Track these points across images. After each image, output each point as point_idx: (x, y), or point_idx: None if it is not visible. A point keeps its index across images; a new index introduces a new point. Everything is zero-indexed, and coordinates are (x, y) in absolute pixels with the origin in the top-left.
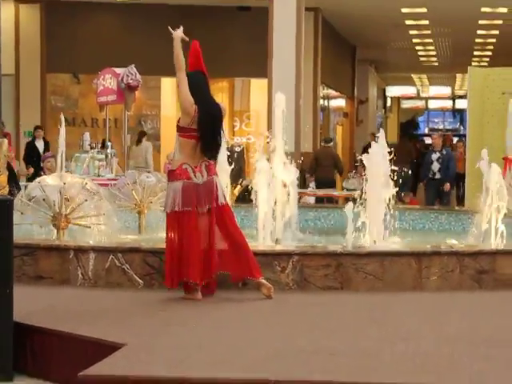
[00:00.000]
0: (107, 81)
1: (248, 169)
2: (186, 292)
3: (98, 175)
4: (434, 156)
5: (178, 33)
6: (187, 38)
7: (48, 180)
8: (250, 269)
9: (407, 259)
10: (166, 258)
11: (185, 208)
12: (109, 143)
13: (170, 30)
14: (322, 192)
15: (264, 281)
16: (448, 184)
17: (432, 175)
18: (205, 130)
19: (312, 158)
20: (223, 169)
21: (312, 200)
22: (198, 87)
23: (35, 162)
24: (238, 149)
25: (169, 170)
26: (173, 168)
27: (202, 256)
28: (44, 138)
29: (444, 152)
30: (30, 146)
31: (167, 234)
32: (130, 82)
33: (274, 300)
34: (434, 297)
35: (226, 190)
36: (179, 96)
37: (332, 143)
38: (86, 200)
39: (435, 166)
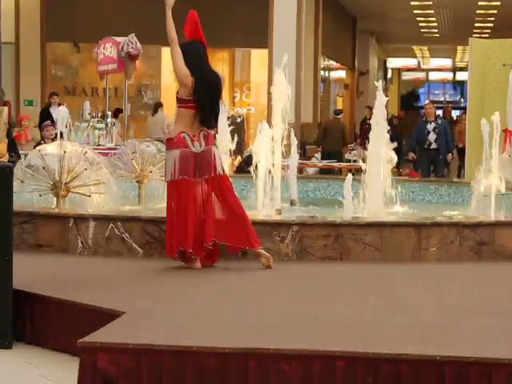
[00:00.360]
0: (107, 50)
1: (248, 139)
2: (185, 261)
3: (98, 144)
4: (430, 126)
5: (170, 1)
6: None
7: (48, 148)
8: (249, 239)
9: (406, 230)
10: (166, 227)
11: (182, 176)
12: (109, 112)
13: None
14: (322, 163)
15: (263, 251)
16: (450, 154)
17: (428, 145)
18: (203, 100)
19: (321, 128)
20: (223, 139)
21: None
22: (196, 57)
23: None
24: (238, 119)
25: (167, 139)
26: (171, 136)
27: (198, 225)
28: (59, 105)
29: (439, 121)
30: (45, 114)
31: (167, 202)
32: (131, 50)
33: (273, 270)
34: (433, 268)
35: (224, 161)
36: (174, 69)
37: (341, 115)
38: (86, 169)
39: (432, 137)
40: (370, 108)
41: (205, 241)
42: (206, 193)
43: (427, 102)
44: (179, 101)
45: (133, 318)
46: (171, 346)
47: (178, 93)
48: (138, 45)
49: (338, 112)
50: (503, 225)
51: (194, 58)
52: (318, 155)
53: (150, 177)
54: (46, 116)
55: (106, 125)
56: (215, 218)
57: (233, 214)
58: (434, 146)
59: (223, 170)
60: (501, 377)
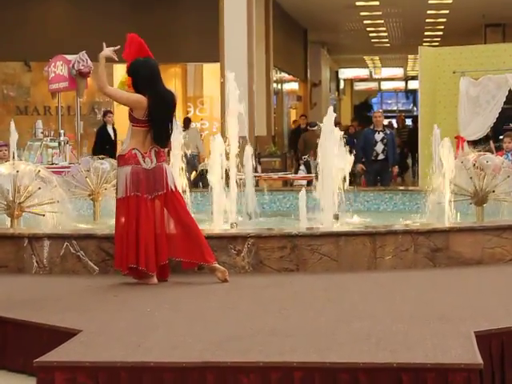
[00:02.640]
0: (58, 68)
1: (203, 154)
2: (137, 277)
3: (52, 163)
4: (378, 136)
5: (106, 51)
6: (115, 57)
7: (1, 168)
8: (203, 254)
9: (362, 239)
10: (115, 243)
11: (133, 193)
12: (61, 131)
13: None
14: (277, 176)
15: (217, 265)
16: (396, 167)
17: (375, 156)
18: (157, 119)
19: (301, 141)
20: (176, 154)
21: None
22: (150, 76)
23: (108, 149)
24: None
25: (118, 155)
26: (122, 153)
27: (151, 242)
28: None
29: (388, 132)
30: (103, 132)
31: (117, 218)
32: (82, 68)
33: (229, 283)
34: (388, 276)
35: (176, 176)
36: (123, 103)
37: (316, 127)
38: (40, 188)
39: (379, 147)
40: (304, 116)
41: (159, 258)
42: (159, 209)
43: (377, 110)
44: (133, 120)
45: (89, 335)
46: (128, 362)
47: (132, 111)
48: (89, 62)
49: (313, 125)
50: (457, 231)
51: (149, 77)
52: (303, 167)
53: (105, 194)
54: (104, 135)
55: (59, 143)
56: (168, 234)
57: (186, 230)
58: (381, 156)
59: (175, 186)
60: (458, 382)
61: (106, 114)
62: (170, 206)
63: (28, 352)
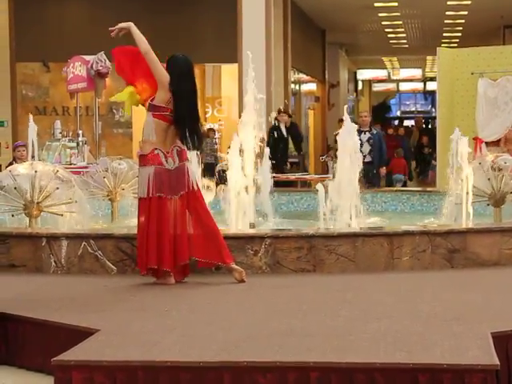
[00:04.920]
0: (77, 68)
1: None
2: (157, 277)
3: (70, 163)
4: (364, 136)
5: (123, 24)
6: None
7: (19, 169)
8: (221, 254)
9: (379, 240)
10: (137, 244)
11: (156, 194)
12: (80, 131)
13: (121, 25)
14: (295, 176)
15: (235, 266)
16: (384, 168)
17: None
18: (180, 117)
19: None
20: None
21: None
22: (177, 72)
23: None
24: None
25: (140, 155)
26: (144, 152)
27: (172, 242)
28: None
29: (374, 131)
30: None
31: (139, 219)
32: (100, 68)
33: (246, 283)
34: (405, 276)
35: (197, 176)
36: (155, 75)
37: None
38: (58, 188)
39: (365, 148)
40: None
41: (180, 258)
42: (180, 210)
43: (364, 112)
44: (153, 108)
45: (107, 335)
46: (146, 361)
47: (152, 100)
48: (108, 63)
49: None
50: (475, 232)
51: (175, 74)
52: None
53: (123, 194)
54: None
55: (78, 143)
56: (188, 233)
57: (205, 230)
58: (367, 158)
59: (197, 186)
60: (474, 383)
61: (279, 112)
62: (190, 206)
63: (46, 351)
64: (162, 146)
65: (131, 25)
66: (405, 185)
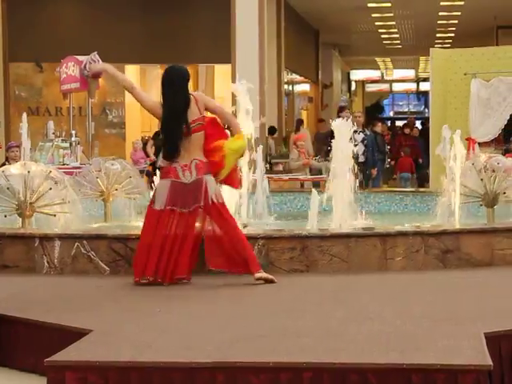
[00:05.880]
0: (70, 68)
1: None
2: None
3: (63, 164)
4: (358, 137)
5: (101, 65)
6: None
7: (12, 169)
8: (247, 264)
9: (372, 240)
10: (137, 251)
11: (168, 207)
12: (73, 132)
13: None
14: (288, 177)
15: (263, 274)
16: (375, 169)
17: (355, 158)
18: (163, 130)
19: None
20: None
21: None
22: (164, 84)
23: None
24: None
25: (161, 167)
26: (164, 165)
27: (164, 254)
28: None
29: (368, 132)
30: None
31: (144, 226)
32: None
33: (239, 284)
34: (399, 277)
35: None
36: (145, 107)
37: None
38: (51, 188)
39: (360, 148)
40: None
41: (178, 271)
42: (190, 223)
43: (358, 112)
44: None
45: (100, 335)
46: (138, 362)
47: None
48: (101, 63)
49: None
50: (467, 233)
51: (163, 85)
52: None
53: (116, 195)
54: None
55: (71, 144)
56: (192, 251)
57: (229, 240)
58: (361, 159)
59: (217, 199)
60: (467, 383)
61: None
62: (213, 218)
63: (39, 352)
64: (180, 159)
65: (107, 66)
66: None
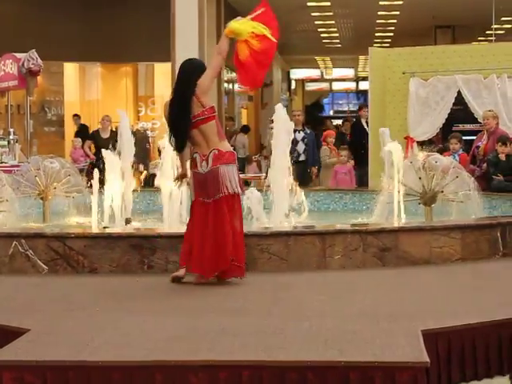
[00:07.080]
0: (8, 66)
1: (153, 154)
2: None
3: (1, 162)
4: (298, 135)
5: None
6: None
7: None
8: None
9: (311, 239)
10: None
11: (198, 197)
12: (11, 130)
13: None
14: None
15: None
16: (316, 168)
17: (296, 157)
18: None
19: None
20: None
21: None
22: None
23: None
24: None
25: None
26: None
27: (199, 245)
28: None
29: (308, 131)
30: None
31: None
32: (32, 66)
33: (178, 283)
34: (337, 275)
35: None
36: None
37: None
38: None
39: (300, 147)
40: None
41: (221, 263)
42: (218, 213)
43: (297, 110)
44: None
45: (37, 334)
46: (76, 361)
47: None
48: (39, 61)
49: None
50: (406, 231)
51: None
52: None
53: (55, 193)
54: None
55: (9, 142)
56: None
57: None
58: (302, 157)
59: (229, 191)
60: (404, 380)
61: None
62: (230, 209)
63: None
64: (199, 149)
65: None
66: None
